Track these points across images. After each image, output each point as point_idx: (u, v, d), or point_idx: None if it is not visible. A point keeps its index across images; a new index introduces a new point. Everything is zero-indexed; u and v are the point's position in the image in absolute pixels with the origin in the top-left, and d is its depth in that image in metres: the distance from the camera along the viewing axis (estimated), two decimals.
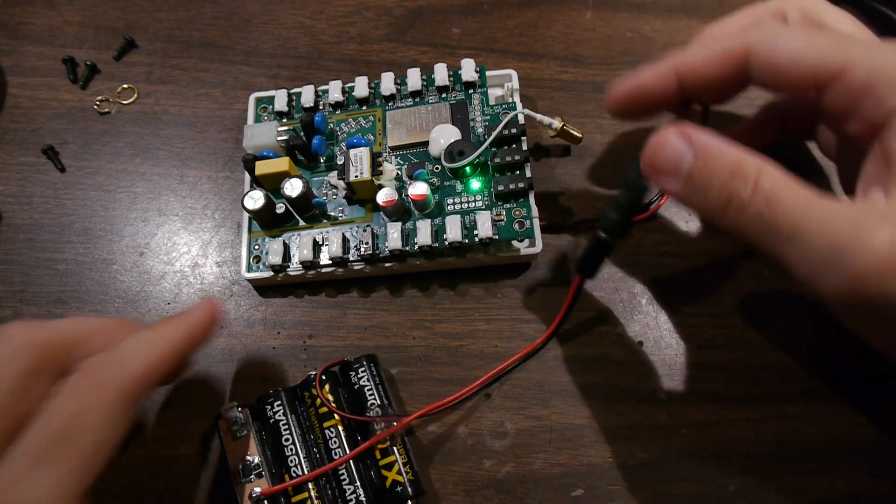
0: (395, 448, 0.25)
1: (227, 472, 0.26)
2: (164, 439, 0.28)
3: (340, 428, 0.26)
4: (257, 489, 0.25)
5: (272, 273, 0.30)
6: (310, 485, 0.25)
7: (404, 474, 0.25)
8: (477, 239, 0.28)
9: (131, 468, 0.28)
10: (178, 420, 0.29)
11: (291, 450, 0.26)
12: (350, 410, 0.27)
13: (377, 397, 0.26)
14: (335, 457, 0.26)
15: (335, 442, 0.26)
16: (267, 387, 0.27)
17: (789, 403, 0.28)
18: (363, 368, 0.27)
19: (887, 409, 0.28)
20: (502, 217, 0.29)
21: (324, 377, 0.27)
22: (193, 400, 0.29)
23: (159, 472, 0.28)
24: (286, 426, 0.26)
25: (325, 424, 0.26)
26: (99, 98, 0.36)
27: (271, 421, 0.26)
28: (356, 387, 0.27)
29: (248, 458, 0.26)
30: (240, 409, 0.26)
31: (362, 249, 0.29)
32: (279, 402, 0.27)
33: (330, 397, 0.26)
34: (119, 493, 0.27)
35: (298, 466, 0.26)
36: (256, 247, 0.30)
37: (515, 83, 0.32)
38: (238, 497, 0.25)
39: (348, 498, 0.25)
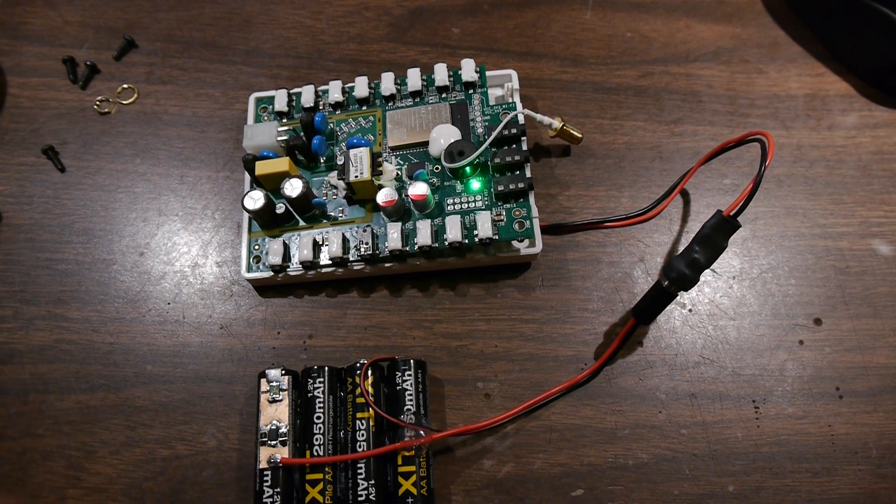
0: (418, 459, 0.25)
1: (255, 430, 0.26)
2: (164, 439, 0.28)
3: (371, 422, 0.26)
4: (277, 456, 0.25)
5: (272, 273, 0.30)
6: (326, 468, 0.25)
7: (419, 488, 0.25)
8: (477, 239, 0.28)
9: (131, 468, 0.28)
10: (178, 421, 0.29)
11: (319, 428, 0.26)
12: (386, 409, 0.27)
13: (415, 404, 0.26)
14: (359, 448, 0.26)
15: (363, 434, 0.26)
16: None
17: (789, 403, 0.28)
18: (409, 372, 0.27)
19: (887, 408, 0.28)
20: (502, 217, 0.29)
21: (370, 369, 0.27)
22: (193, 401, 0.29)
23: (159, 472, 0.28)
24: (321, 404, 0.26)
25: (359, 415, 0.26)
26: (99, 98, 0.36)
27: (309, 395, 0.27)
28: (398, 388, 0.27)
29: (278, 423, 0.26)
30: (283, 373, 0.27)
31: (362, 249, 0.29)
32: (321, 380, 0.27)
33: (370, 390, 0.27)
34: (119, 493, 0.27)
35: (322, 447, 0.26)
36: (256, 247, 0.30)
37: (515, 83, 0.32)
38: (258, 457, 0.25)
39: (360, 493, 0.25)
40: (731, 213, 0.26)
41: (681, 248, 0.31)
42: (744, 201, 0.26)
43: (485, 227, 0.28)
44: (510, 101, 0.32)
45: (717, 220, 0.26)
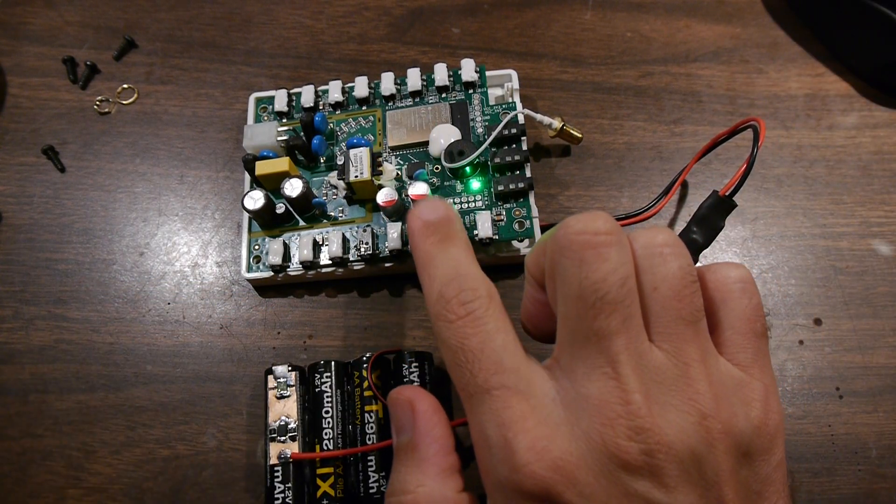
0: None
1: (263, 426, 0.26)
2: (164, 439, 0.28)
3: (380, 415, 0.26)
4: (287, 451, 0.25)
5: (272, 273, 0.30)
6: (337, 462, 0.26)
7: None
8: (477, 239, 0.28)
9: (131, 468, 0.28)
10: (178, 421, 0.29)
11: (328, 423, 0.26)
12: None
13: None
14: (368, 441, 0.26)
15: (371, 427, 0.26)
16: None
17: (789, 403, 0.28)
18: (416, 364, 0.27)
19: (887, 408, 0.28)
20: (502, 217, 0.29)
21: (376, 362, 0.27)
22: (193, 401, 0.29)
23: (159, 472, 0.28)
24: (329, 399, 0.26)
25: (367, 408, 0.26)
26: (99, 98, 0.36)
27: (316, 390, 0.27)
28: (405, 380, 0.27)
29: (286, 418, 0.26)
30: (290, 369, 0.27)
31: (362, 249, 0.29)
32: (328, 374, 0.27)
33: (378, 383, 0.27)
34: (119, 493, 0.27)
35: (331, 441, 0.26)
36: (256, 247, 0.30)
37: (515, 83, 0.32)
38: (268, 453, 0.26)
39: (370, 485, 0.25)
40: (727, 193, 0.26)
41: None
42: (738, 181, 0.26)
43: (485, 227, 0.28)
44: (510, 101, 0.32)
45: (714, 199, 0.27)
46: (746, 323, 0.19)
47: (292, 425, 0.26)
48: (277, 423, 0.26)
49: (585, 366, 0.17)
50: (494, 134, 0.29)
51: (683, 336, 0.18)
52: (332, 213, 0.30)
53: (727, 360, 0.19)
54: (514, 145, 0.29)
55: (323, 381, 0.27)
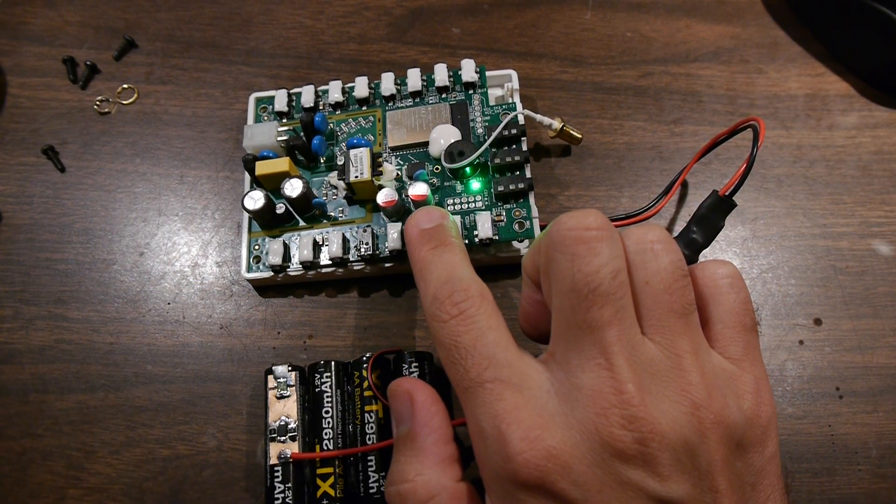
0: None
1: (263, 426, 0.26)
2: (164, 439, 0.28)
3: (380, 415, 0.26)
4: (287, 451, 0.25)
5: (272, 273, 0.30)
6: (337, 462, 0.26)
7: None
8: (477, 240, 0.28)
9: (131, 468, 0.28)
10: (178, 421, 0.29)
11: (328, 423, 0.26)
12: None
13: None
14: (368, 442, 0.26)
15: (371, 427, 0.26)
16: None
17: (789, 403, 0.28)
18: (416, 364, 0.27)
19: (887, 408, 0.28)
20: (502, 217, 0.29)
21: (376, 362, 0.27)
22: (193, 401, 0.29)
23: (159, 472, 0.28)
24: (329, 399, 0.26)
25: (367, 408, 0.26)
26: (99, 98, 0.36)
27: (317, 390, 0.27)
28: None
29: (286, 418, 0.26)
30: (290, 369, 0.27)
31: (362, 249, 0.29)
32: (328, 374, 0.27)
33: (378, 383, 0.27)
34: (119, 493, 0.27)
35: (331, 441, 0.26)
36: (256, 247, 0.30)
37: (515, 83, 0.32)
38: (268, 453, 0.26)
39: (370, 485, 0.25)
40: (727, 193, 0.26)
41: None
42: (738, 181, 0.27)
43: (485, 227, 0.28)
44: (510, 101, 0.32)
45: (713, 199, 0.27)
46: (735, 317, 0.20)
47: (292, 425, 0.26)
48: (277, 423, 0.26)
49: (579, 357, 0.18)
50: (494, 134, 0.29)
51: (675, 328, 0.18)
52: (332, 214, 0.30)
53: (718, 353, 0.19)
54: (514, 146, 0.29)
55: (323, 381, 0.27)
